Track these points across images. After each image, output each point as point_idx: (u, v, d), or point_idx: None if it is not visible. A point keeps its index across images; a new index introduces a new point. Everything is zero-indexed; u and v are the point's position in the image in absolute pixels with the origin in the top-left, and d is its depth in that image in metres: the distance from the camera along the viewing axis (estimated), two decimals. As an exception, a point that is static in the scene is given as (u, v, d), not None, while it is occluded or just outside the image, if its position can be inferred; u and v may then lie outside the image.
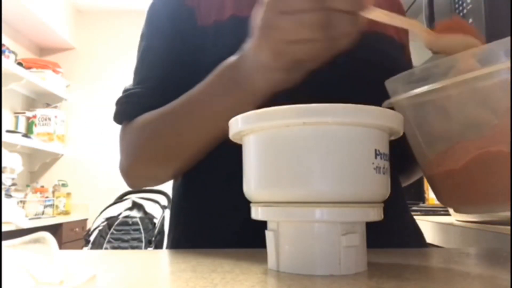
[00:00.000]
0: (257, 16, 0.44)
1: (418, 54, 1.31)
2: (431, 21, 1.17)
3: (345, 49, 0.42)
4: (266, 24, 0.42)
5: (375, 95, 0.46)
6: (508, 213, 0.81)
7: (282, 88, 0.47)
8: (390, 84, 0.46)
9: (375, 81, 0.59)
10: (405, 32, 0.71)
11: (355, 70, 0.58)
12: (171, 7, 0.63)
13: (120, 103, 0.62)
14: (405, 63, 0.66)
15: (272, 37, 0.42)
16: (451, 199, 0.47)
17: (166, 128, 0.56)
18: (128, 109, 0.61)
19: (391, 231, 0.54)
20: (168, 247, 0.64)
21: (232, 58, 0.51)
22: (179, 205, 0.65)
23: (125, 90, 0.63)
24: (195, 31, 0.60)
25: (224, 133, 0.41)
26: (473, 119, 0.42)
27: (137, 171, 0.61)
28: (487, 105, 0.41)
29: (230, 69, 0.51)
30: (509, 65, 0.37)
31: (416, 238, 0.64)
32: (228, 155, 0.54)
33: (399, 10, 0.72)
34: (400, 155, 0.53)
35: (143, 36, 0.65)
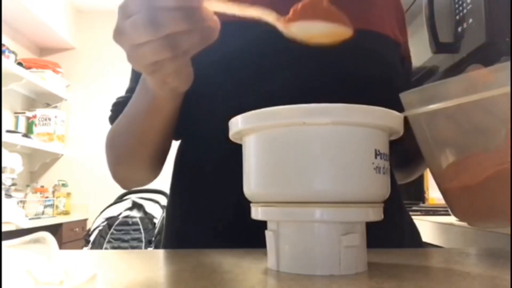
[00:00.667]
0: None
1: (418, 54, 1.31)
2: (431, 21, 1.17)
3: (210, 43, 0.41)
4: (116, 30, 0.42)
5: (367, 94, 0.46)
6: None
7: (181, 91, 0.50)
8: (405, 98, 0.47)
9: (367, 80, 0.59)
10: (402, 30, 0.71)
11: (346, 70, 0.58)
12: None
13: (111, 109, 0.69)
14: (399, 62, 0.66)
15: (122, 43, 0.42)
16: (466, 214, 0.48)
17: (121, 134, 0.62)
18: (114, 116, 0.67)
19: (387, 230, 0.54)
20: (162, 246, 0.64)
21: (143, 75, 0.54)
22: (174, 204, 0.65)
23: (117, 98, 0.69)
24: None
25: (165, 127, 0.54)
26: (482, 127, 0.43)
27: (116, 174, 0.66)
28: (495, 112, 0.42)
29: (142, 84, 0.55)
30: None
31: (411, 237, 0.65)
32: (227, 155, 0.55)
33: (397, 6, 0.72)
34: (401, 153, 0.53)
35: None
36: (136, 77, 0.66)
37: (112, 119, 0.67)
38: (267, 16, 0.41)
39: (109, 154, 0.65)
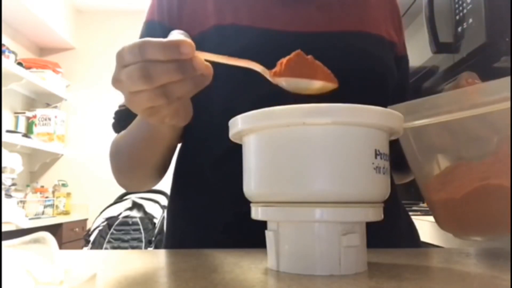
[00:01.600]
0: None
1: (418, 54, 1.31)
2: (431, 21, 1.17)
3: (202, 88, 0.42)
4: (114, 77, 0.44)
5: (362, 94, 0.46)
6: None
7: (180, 126, 0.52)
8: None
9: (362, 81, 0.59)
10: (398, 29, 0.72)
11: (341, 71, 0.58)
12: (157, 34, 0.64)
13: (113, 117, 0.70)
14: (393, 61, 0.66)
15: (120, 90, 0.44)
16: (449, 226, 0.48)
17: (124, 149, 0.64)
18: (116, 124, 0.69)
19: (384, 230, 0.54)
20: (163, 246, 0.64)
21: None
22: (175, 205, 0.65)
23: (119, 106, 0.69)
24: None
25: (166, 150, 0.58)
26: (474, 135, 0.43)
27: (118, 180, 0.68)
28: (488, 121, 0.42)
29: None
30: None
31: (409, 237, 0.65)
32: (225, 156, 0.55)
33: (393, 7, 0.72)
34: (398, 154, 0.53)
35: None
36: None
37: (115, 127, 0.69)
38: (255, 67, 0.42)
39: (113, 163, 0.67)
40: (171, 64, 0.39)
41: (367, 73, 0.60)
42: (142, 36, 0.67)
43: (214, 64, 0.57)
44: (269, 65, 0.58)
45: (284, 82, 0.41)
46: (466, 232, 0.47)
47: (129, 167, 0.65)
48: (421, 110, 0.43)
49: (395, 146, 0.47)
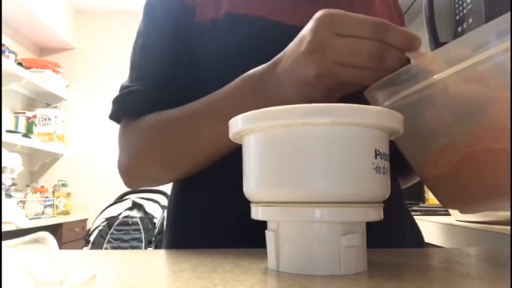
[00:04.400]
0: (308, 31, 0.43)
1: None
2: (431, 21, 1.17)
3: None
4: (320, 42, 0.42)
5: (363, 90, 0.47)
6: (508, 213, 0.81)
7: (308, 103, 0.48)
8: (368, 94, 0.46)
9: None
10: (401, 21, 0.72)
11: None
12: (169, 4, 0.63)
13: (118, 100, 0.61)
14: None
15: (324, 56, 0.42)
16: (450, 202, 0.47)
17: (177, 134, 0.55)
18: (128, 106, 0.60)
19: (387, 230, 0.54)
20: (165, 246, 0.64)
21: (260, 68, 0.50)
22: (176, 204, 0.65)
23: (124, 88, 0.62)
24: (193, 29, 0.60)
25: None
26: (458, 108, 0.41)
27: (137, 172, 0.60)
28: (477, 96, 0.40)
29: (257, 78, 0.50)
30: (503, 47, 0.35)
31: (412, 237, 0.65)
32: (227, 155, 0.55)
33: (395, 5, 0.73)
34: (400, 156, 0.53)
35: (140, 34, 0.64)
36: (150, 59, 0.61)
37: (123, 113, 0.61)
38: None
39: (142, 150, 0.58)
40: (400, 53, 0.40)
41: None
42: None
43: (223, 54, 0.57)
44: (275, 55, 0.58)
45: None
46: (464, 205, 0.46)
47: (179, 156, 0.55)
48: (401, 81, 0.41)
49: (397, 148, 0.47)
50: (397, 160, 0.56)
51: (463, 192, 0.43)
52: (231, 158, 0.48)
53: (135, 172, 0.60)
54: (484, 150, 0.39)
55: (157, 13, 0.64)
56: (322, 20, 0.42)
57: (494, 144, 0.38)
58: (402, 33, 0.40)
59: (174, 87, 0.59)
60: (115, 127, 0.64)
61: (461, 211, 0.48)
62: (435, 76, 0.38)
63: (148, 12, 0.65)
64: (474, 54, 0.36)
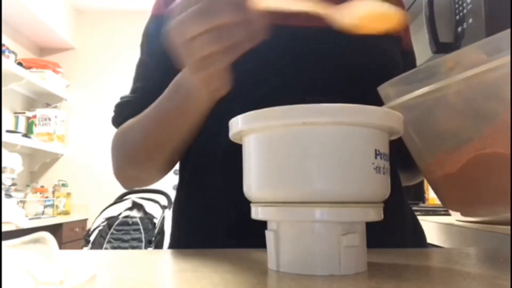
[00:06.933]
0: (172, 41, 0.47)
1: (418, 54, 1.31)
2: (431, 21, 1.17)
3: (258, 42, 0.44)
4: (178, 49, 0.45)
5: (368, 87, 0.46)
6: (508, 215, 0.81)
7: (219, 95, 0.51)
8: (382, 90, 0.46)
9: (368, 74, 0.60)
10: (403, 23, 0.72)
11: (348, 64, 0.59)
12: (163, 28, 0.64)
13: (114, 110, 0.68)
14: (399, 56, 0.67)
15: (185, 58, 0.46)
16: (453, 203, 0.47)
17: (139, 134, 0.61)
18: (118, 116, 0.67)
19: (388, 231, 0.54)
20: (170, 246, 0.64)
21: (178, 76, 0.56)
22: (181, 205, 0.65)
23: (121, 98, 0.68)
24: None
25: (189, 132, 0.56)
26: (478, 114, 0.41)
27: (123, 173, 0.66)
28: (492, 99, 0.40)
29: (176, 85, 0.56)
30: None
31: (415, 238, 0.64)
32: (228, 155, 0.55)
33: (398, 2, 0.73)
34: (405, 155, 0.53)
35: (140, 50, 0.70)
36: (144, 75, 0.68)
37: (116, 121, 0.67)
38: (313, 7, 0.42)
39: (119, 153, 0.64)
40: (229, 5, 0.41)
41: (377, 68, 0.61)
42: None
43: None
44: (279, 57, 0.58)
45: (342, 14, 0.42)
46: (467, 208, 0.46)
47: (144, 152, 0.62)
48: (415, 80, 0.41)
49: (400, 146, 0.47)
50: (404, 158, 0.56)
51: (467, 194, 0.43)
52: (232, 159, 0.48)
53: (121, 173, 0.66)
54: (491, 155, 0.39)
55: (152, 34, 0.68)
56: (171, 31, 0.45)
57: (502, 149, 0.38)
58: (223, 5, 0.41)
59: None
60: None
61: (463, 214, 0.48)
62: (450, 78, 0.38)
63: (146, 32, 0.70)
64: (490, 59, 0.36)
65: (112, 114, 0.69)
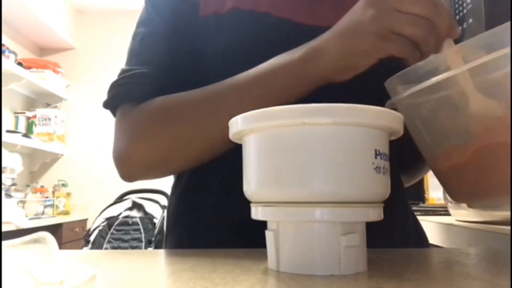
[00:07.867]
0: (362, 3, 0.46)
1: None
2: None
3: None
4: (374, 8, 0.44)
5: (372, 90, 0.46)
6: (508, 213, 0.81)
7: (333, 80, 0.49)
8: (389, 84, 0.46)
9: (371, 72, 0.60)
10: None
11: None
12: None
13: (119, 84, 0.58)
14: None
15: (385, 2, 0.44)
16: (460, 195, 0.47)
17: (195, 114, 0.52)
18: (134, 88, 0.57)
19: (388, 231, 0.54)
20: (167, 247, 0.64)
21: (292, 50, 0.51)
22: (178, 206, 0.65)
23: (125, 71, 0.59)
24: (197, 22, 0.60)
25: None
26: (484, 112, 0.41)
27: (139, 157, 0.55)
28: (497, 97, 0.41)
29: (291, 54, 0.51)
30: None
31: (416, 238, 0.64)
32: (228, 155, 0.54)
33: None
34: (404, 155, 0.53)
35: (142, 22, 0.64)
36: (154, 50, 0.60)
37: (130, 94, 0.57)
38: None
39: (148, 132, 0.54)
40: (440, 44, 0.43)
41: (380, 66, 0.60)
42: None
43: (229, 49, 0.57)
44: (282, 52, 0.58)
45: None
46: (474, 200, 0.46)
47: (198, 134, 0.52)
48: (422, 76, 0.41)
49: (400, 146, 0.47)
50: (403, 158, 0.56)
51: (475, 185, 0.43)
52: (232, 159, 0.48)
53: (137, 158, 0.55)
54: (498, 145, 0.39)
55: (161, 4, 0.63)
56: None
57: (508, 139, 0.38)
58: (449, 19, 0.42)
59: (179, 76, 0.58)
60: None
61: (470, 206, 0.48)
62: (455, 73, 0.39)
63: (151, 2, 0.64)
64: (496, 54, 0.37)
65: (112, 92, 0.59)
